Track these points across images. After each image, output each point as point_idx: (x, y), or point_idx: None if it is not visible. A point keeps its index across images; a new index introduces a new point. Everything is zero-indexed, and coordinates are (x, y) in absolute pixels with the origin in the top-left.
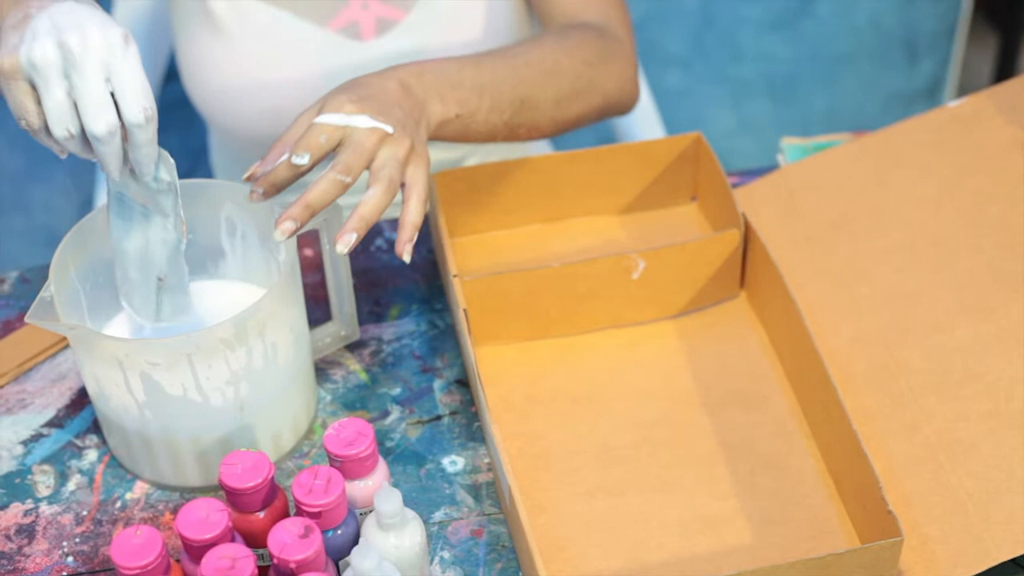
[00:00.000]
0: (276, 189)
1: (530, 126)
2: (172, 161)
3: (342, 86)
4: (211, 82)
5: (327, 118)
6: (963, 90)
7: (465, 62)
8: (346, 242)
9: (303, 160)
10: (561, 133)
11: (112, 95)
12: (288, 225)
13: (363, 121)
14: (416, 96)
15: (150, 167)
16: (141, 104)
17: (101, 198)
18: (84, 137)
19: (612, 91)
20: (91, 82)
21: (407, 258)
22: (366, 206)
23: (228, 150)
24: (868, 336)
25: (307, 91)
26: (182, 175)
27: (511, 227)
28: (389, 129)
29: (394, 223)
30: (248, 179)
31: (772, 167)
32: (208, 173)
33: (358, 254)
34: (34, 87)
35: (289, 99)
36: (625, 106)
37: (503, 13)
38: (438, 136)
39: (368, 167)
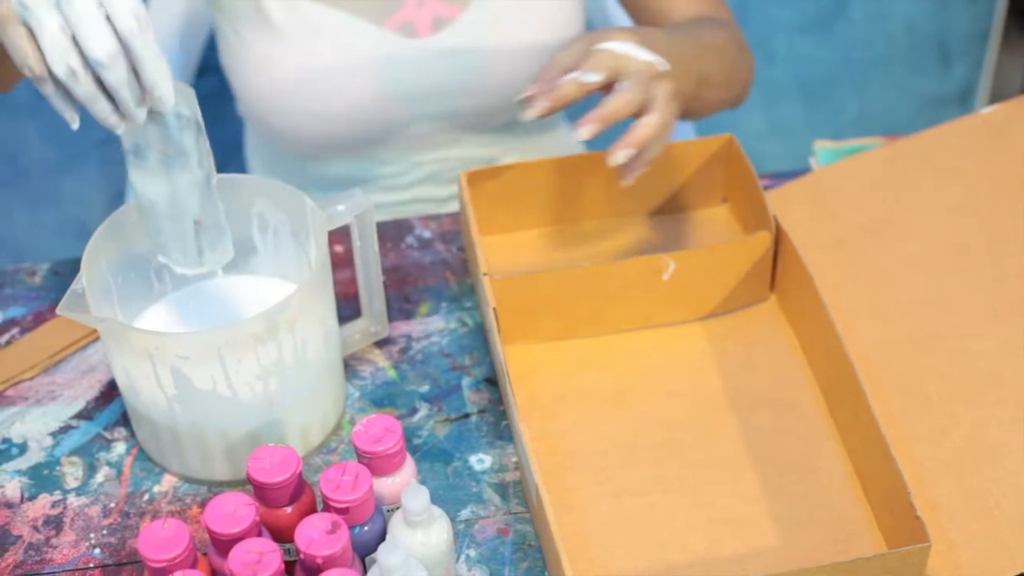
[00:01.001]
0: (561, 104)
1: (702, 103)
2: (192, 91)
3: (614, 28)
4: (264, 83)
5: (616, 45)
6: (995, 95)
7: (669, 32)
8: (621, 156)
9: (592, 78)
10: (706, 116)
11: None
12: (593, 127)
13: (645, 54)
14: (671, 48)
15: (166, 87)
16: (130, 11)
17: (132, 192)
18: (93, 78)
19: (746, 82)
20: (81, 6)
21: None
22: (645, 128)
23: (268, 152)
24: (897, 340)
25: (361, 91)
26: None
27: (542, 226)
28: (664, 66)
29: (425, 220)
30: (524, 100)
31: (804, 170)
32: (240, 168)
33: (388, 251)
34: (30, 29)
35: (343, 100)
36: (742, 99)
37: (558, 9)
38: None
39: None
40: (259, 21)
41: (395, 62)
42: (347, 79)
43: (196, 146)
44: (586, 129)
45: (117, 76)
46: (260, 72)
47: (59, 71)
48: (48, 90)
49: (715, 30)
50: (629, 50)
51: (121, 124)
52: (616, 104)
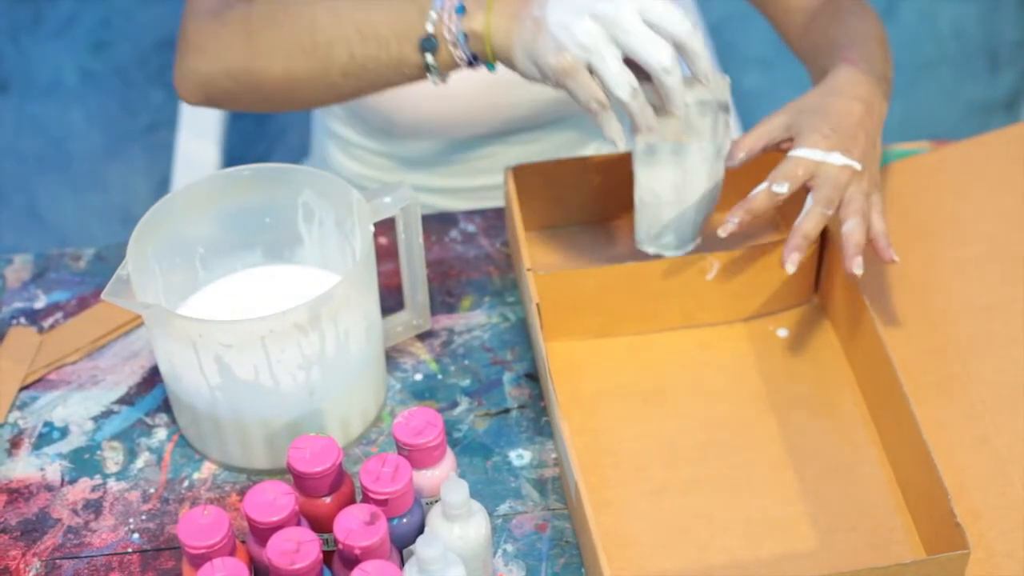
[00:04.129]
0: (753, 216)
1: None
2: (727, 79)
3: (813, 117)
4: None
5: (806, 152)
6: None
7: (867, 58)
8: (856, 265)
9: (783, 189)
10: None
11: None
12: (796, 256)
13: (837, 159)
14: (875, 110)
15: (709, 68)
16: (678, 19)
17: (178, 179)
18: (642, 90)
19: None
20: (637, 29)
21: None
22: (856, 235)
23: (354, 132)
24: (941, 347)
25: (476, 87)
26: (260, 158)
27: (586, 222)
28: (858, 167)
29: (469, 214)
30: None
31: None
32: (294, 151)
33: (432, 244)
34: (590, 69)
35: (460, 96)
36: None
37: None
38: None
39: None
40: None
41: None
42: (462, 77)
43: (713, 126)
44: (790, 262)
45: (675, 78)
46: None
47: (623, 94)
48: (605, 116)
49: (868, 19)
50: (822, 156)
51: (657, 125)
52: (807, 228)
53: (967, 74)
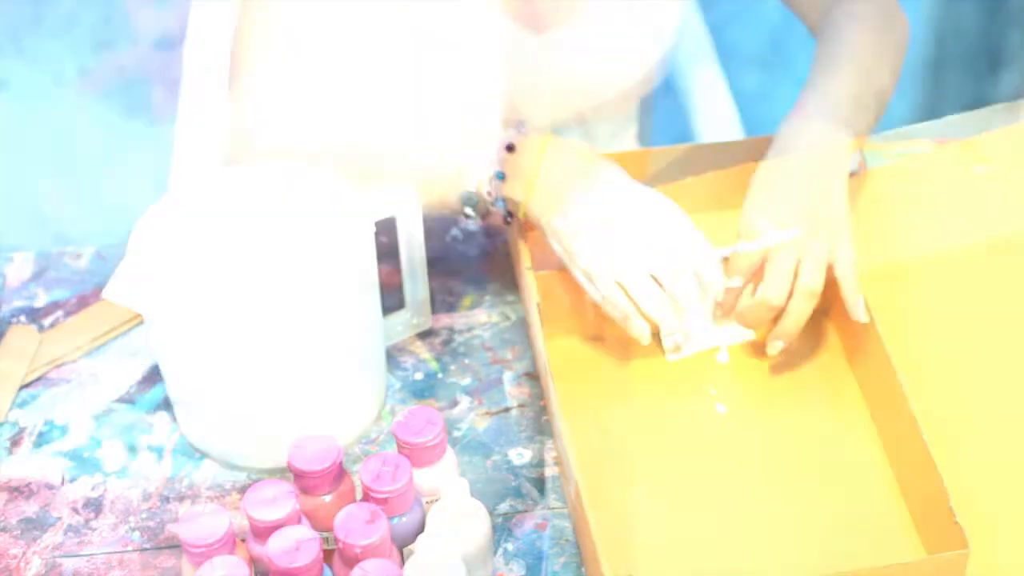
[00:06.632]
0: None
1: (884, 108)
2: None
3: (749, 210)
4: None
5: (742, 247)
6: None
7: (833, 82)
8: (775, 348)
9: (739, 283)
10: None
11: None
12: (779, 344)
13: (777, 237)
14: (822, 156)
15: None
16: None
17: (177, 178)
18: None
19: (900, 57)
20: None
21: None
22: (791, 319)
23: None
24: (943, 345)
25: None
26: None
27: None
28: (795, 233)
29: None
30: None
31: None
32: None
33: (433, 243)
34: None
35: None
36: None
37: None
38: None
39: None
40: None
41: (518, 55)
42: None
43: None
44: (775, 346)
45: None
46: None
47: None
48: (628, 323)
49: (861, 29)
50: (760, 245)
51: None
52: (790, 322)
53: (968, 73)
